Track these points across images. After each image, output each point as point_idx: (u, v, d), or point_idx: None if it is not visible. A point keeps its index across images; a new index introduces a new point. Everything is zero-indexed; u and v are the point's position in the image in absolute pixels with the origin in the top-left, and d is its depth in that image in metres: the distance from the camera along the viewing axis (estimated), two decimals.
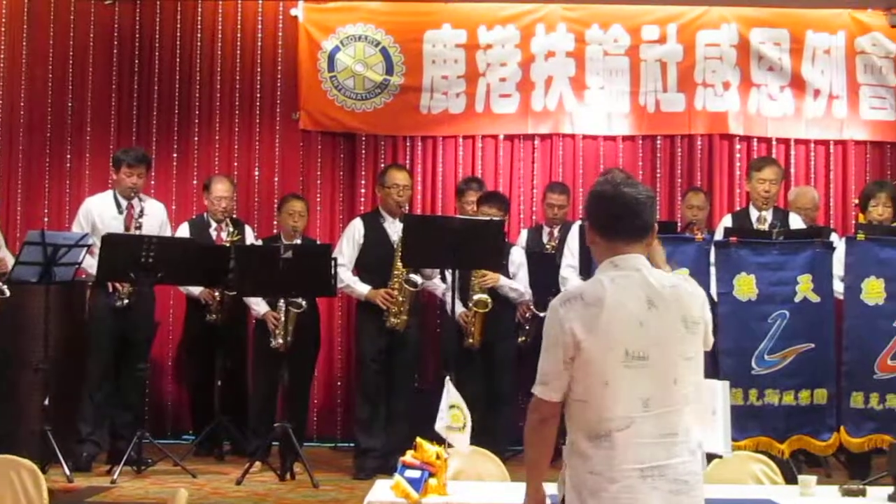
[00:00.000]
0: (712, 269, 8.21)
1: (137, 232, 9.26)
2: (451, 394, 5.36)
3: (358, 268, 9.38)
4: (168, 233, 9.72)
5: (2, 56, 11.38)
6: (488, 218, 9.08)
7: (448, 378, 5.53)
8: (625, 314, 3.71)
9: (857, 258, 8.28)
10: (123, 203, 9.47)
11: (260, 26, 11.42)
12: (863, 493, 5.29)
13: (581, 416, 3.74)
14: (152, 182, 10.78)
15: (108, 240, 8.86)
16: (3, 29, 11.39)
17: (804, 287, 8.14)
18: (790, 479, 6.06)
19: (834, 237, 9.05)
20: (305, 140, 11.37)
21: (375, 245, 9.32)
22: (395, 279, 9.15)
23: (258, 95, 11.40)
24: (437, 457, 5.05)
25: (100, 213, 9.45)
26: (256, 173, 11.34)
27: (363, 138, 11.34)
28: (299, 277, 8.83)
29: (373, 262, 9.31)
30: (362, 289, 9.27)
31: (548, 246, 10.10)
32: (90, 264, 9.04)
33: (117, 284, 9.18)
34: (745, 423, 7.95)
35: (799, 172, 11.29)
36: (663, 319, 3.74)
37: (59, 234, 9.18)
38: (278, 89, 11.40)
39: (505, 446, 8.42)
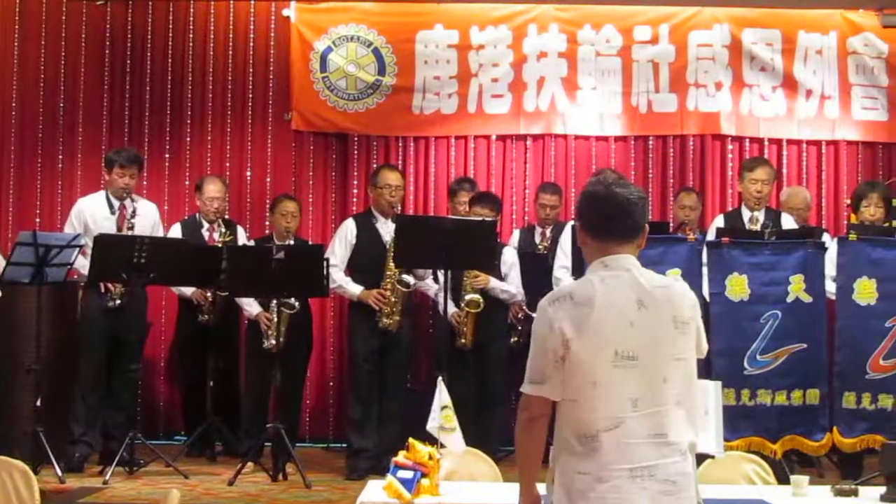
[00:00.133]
0: (704, 270, 8.21)
1: (130, 232, 9.25)
2: (443, 394, 5.36)
3: (350, 268, 9.39)
4: (160, 233, 9.72)
5: None
6: (480, 218, 9.09)
7: (440, 378, 5.53)
8: (615, 314, 3.71)
9: (849, 258, 8.29)
10: (116, 203, 9.47)
11: (252, 27, 11.41)
12: (855, 493, 5.30)
13: (570, 416, 3.73)
14: (144, 182, 10.74)
15: (101, 240, 8.85)
16: None
17: (796, 287, 8.15)
18: (782, 480, 6.06)
19: (826, 237, 9.07)
20: (298, 140, 11.37)
21: (368, 245, 9.31)
22: (388, 279, 9.15)
23: (250, 96, 11.38)
24: (430, 457, 5.05)
25: (92, 213, 9.45)
26: (248, 174, 11.33)
27: (355, 139, 11.34)
28: (291, 278, 8.83)
29: (365, 263, 9.31)
30: (355, 289, 9.27)
31: (540, 246, 10.10)
32: (82, 265, 9.04)
33: (109, 285, 9.17)
34: (738, 423, 7.95)
35: (791, 173, 11.30)
36: (653, 320, 3.73)
37: (51, 234, 9.18)
38: (270, 90, 11.39)
39: (497, 446, 8.43)
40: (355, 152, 11.32)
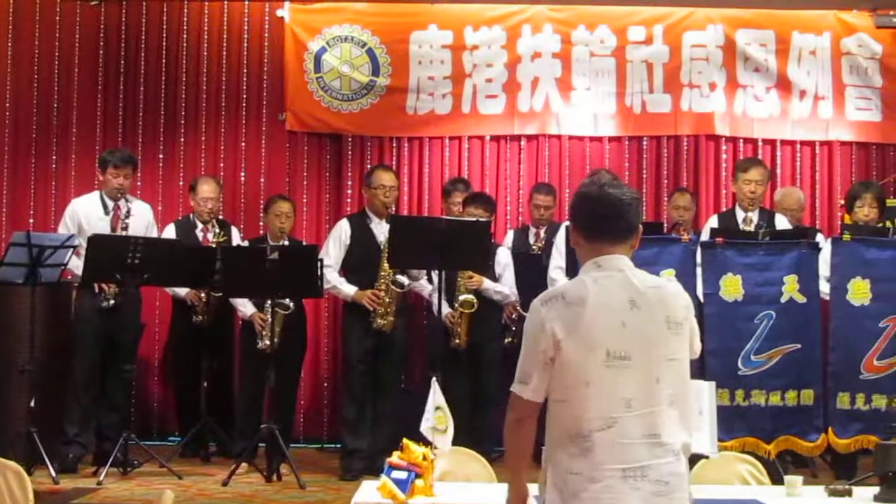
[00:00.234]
0: (698, 270, 8.21)
1: (124, 233, 9.25)
2: (437, 395, 5.36)
3: (344, 269, 9.38)
4: (154, 234, 9.70)
5: None
6: (475, 219, 9.09)
7: (434, 379, 5.53)
8: (607, 314, 3.70)
9: (843, 259, 8.29)
10: (110, 204, 9.45)
11: (246, 27, 11.41)
12: (849, 494, 5.30)
13: (561, 417, 3.73)
14: (138, 183, 10.75)
15: (95, 241, 8.84)
16: None
17: (790, 287, 8.15)
18: (776, 480, 6.07)
19: (820, 238, 9.07)
20: (292, 141, 11.37)
21: (362, 246, 9.31)
22: (382, 280, 9.14)
23: (244, 96, 11.38)
24: (424, 458, 5.05)
25: (86, 214, 9.44)
26: (243, 174, 11.32)
27: (349, 139, 11.34)
28: (285, 278, 8.82)
29: (359, 263, 9.30)
30: (349, 290, 9.26)
31: (534, 247, 10.11)
32: (76, 265, 9.02)
33: (103, 285, 9.17)
34: (732, 423, 7.95)
35: (785, 173, 11.32)
36: (646, 320, 3.73)
37: (45, 235, 9.16)
38: (264, 90, 11.39)
39: (491, 447, 8.41)
40: (349, 153, 11.32)
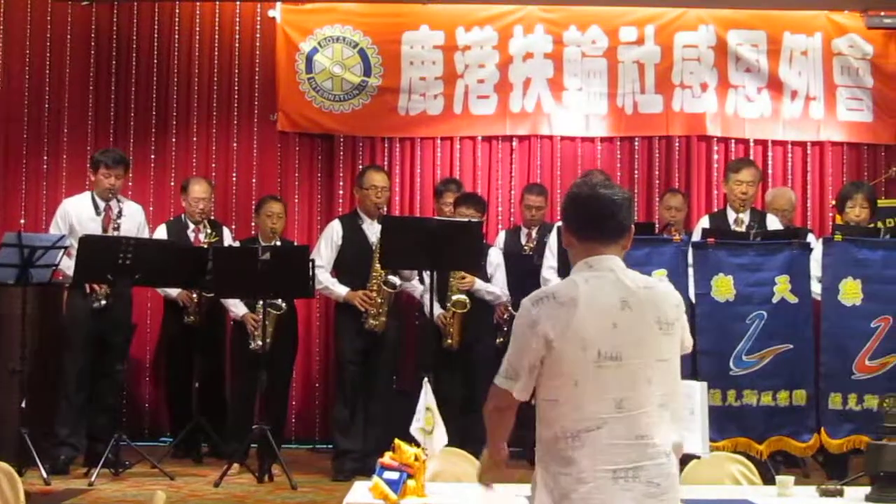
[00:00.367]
0: (690, 271, 8.23)
1: (115, 233, 9.24)
2: (427, 396, 5.35)
3: (336, 269, 9.37)
4: (146, 234, 9.69)
5: None
6: (466, 219, 9.08)
7: (426, 379, 5.53)
8: (598, 315, 3.69)
9: (835, 259, 8.31)
10: (101, 204, 9.44)
11: (237, 28, 11.40)
12: (840, 494, 5.29)
13: (552, 417, 3.72)
14: (130, 183, 10.72)
15: (86, 241, 8.83)
16: None
17: (782, 288, 8.16)
18: (768, 480, 6.07)
19: (811, 238, 9.08)
20: (283, 141, 11.36)
21: (354, 246, 9.30)
22: (374, 280, 9.14)
23: (236, 97, 11.38)
24: (416, 458, 5.04)
25: (77, 214, 9.42)
26: (234, 175, 11.31)
27: (341, 140, 11.33)
28: (277, 279, 8.82)
29: (351, 264, 9.30)
30: (341, 290, 9.25)
31: (526, 247, 10.10)
32: (67, 266, 8.99)
33: (95, 286, 9.15)
34: (724, 423, 7.96)
35: (776, 174, 11.33)
36: (637, 320, 3.72)
37: (36, 235, 9.17)
38: (256, 91, 11.38)
39: (483, 447, 8.40)
40: (341, 153, 11.32)
